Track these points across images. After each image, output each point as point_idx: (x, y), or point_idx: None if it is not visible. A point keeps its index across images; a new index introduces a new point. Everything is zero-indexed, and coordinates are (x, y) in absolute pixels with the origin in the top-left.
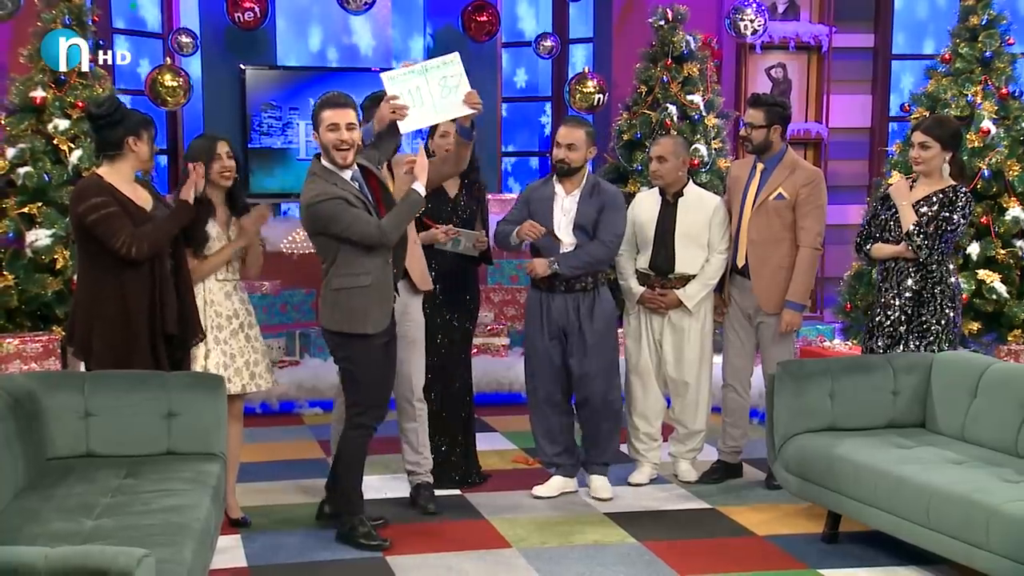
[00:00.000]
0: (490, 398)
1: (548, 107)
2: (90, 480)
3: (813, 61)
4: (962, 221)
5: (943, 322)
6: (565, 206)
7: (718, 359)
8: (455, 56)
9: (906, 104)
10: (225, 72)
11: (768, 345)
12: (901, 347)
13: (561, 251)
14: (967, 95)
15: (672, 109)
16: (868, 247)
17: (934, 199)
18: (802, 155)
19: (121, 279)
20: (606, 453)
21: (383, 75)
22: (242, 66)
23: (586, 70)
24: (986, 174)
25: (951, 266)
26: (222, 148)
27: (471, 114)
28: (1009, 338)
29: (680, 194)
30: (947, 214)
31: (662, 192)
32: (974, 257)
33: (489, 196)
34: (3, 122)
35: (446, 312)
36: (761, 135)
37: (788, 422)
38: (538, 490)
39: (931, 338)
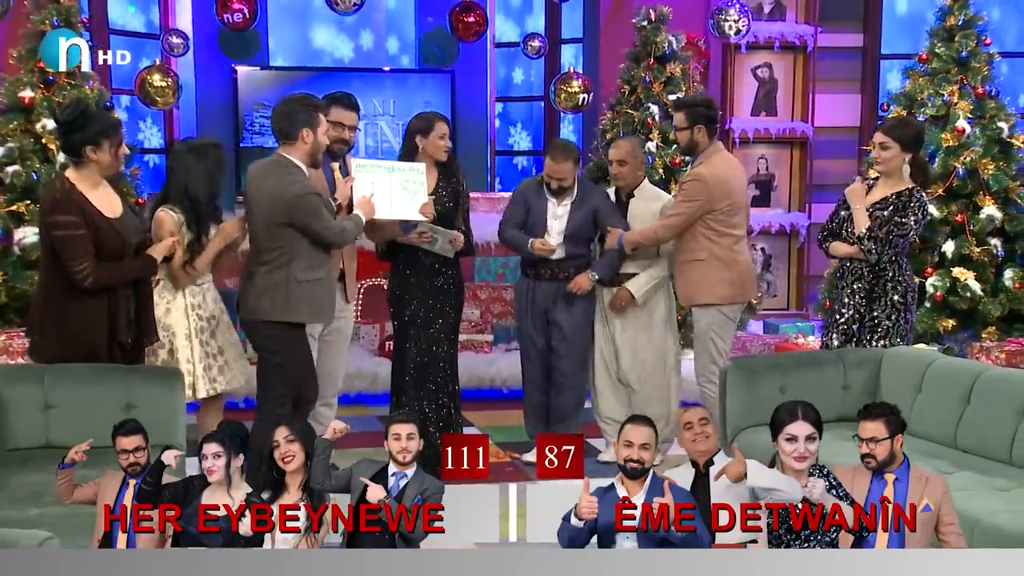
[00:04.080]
0: (471, 394)
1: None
2: (46, 470)
3: (799, 61)
4: (914, 225)
5: (893, 317)
6: (557, 213)
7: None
8: (421, 166)
9: (885, 103)
10: (217, 72)
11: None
12: (853, 344)
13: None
14: (943, 95)
15: (654, 108)
16: (827, 245)
17: (890, 201)
18: (788, 154)
19: (78, 289)
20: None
21: (353, 159)
22: (234, 66)
23: (571, 69)
24: (961, 173)
25: (904, 263)
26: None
27: (421, 220)
28: (983, 335)
29: (632, 195)
30: (899, 219)
31: (618, 192)
32: (949, 255)
33: (479, 195)
34: None
35: (430, 301)
36: (685, 136)
37: (739, 416)
38: (527, 456)
39: (881, 333)
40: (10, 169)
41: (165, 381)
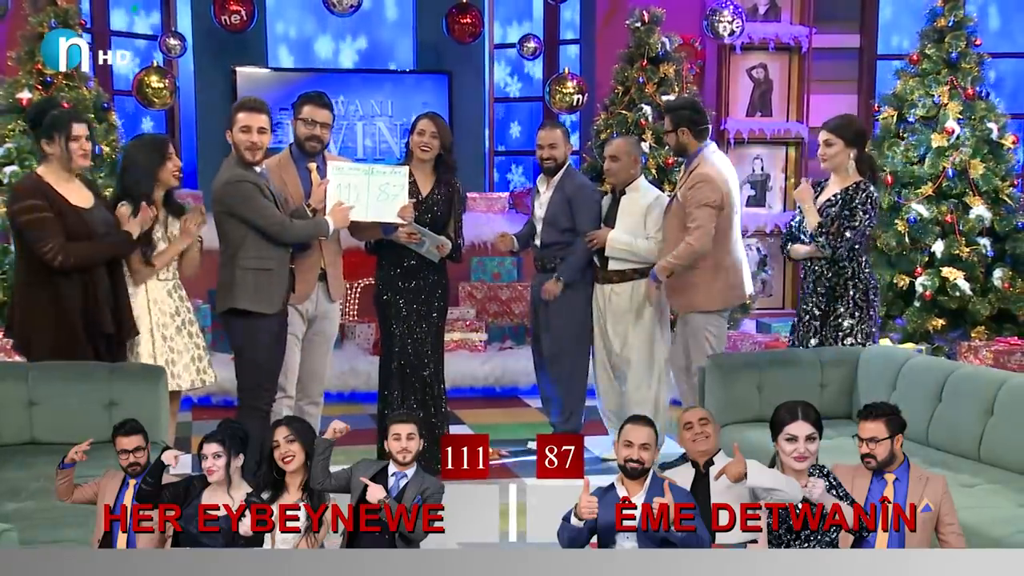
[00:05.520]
0: (465, 392)
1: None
2: (27, 466)
3: (794, 61)
4: (864, 217)
5: (857, 315)
6: (542, 199)
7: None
8: (404, 170)
9: (875, 104)
10: (217, 73)
11: (685, 341)
12: (817, 342)
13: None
14: (934, 96)
15: (647, 109)
16: (788, 249)
17: (839, 197)
18: (783, 154)
19: (54, 280)
20: (567, 424)
21: (331, 163)
22: (233, 67)
23: (566, 71)
24: (951, 173)
25: (864, 261)
26: (170, 148)
27: (401, 224)
28: (972, 335)
29: (624, 192)
30: (848, 212)
31: (613, 190)
32: (938, 255)
33: (476, 195)
34: None
35: (414, 305)
36: (672, 139)
37: (717, 413)
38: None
39: (846, 330)
40: (8, 169)
41: (147, 378)
